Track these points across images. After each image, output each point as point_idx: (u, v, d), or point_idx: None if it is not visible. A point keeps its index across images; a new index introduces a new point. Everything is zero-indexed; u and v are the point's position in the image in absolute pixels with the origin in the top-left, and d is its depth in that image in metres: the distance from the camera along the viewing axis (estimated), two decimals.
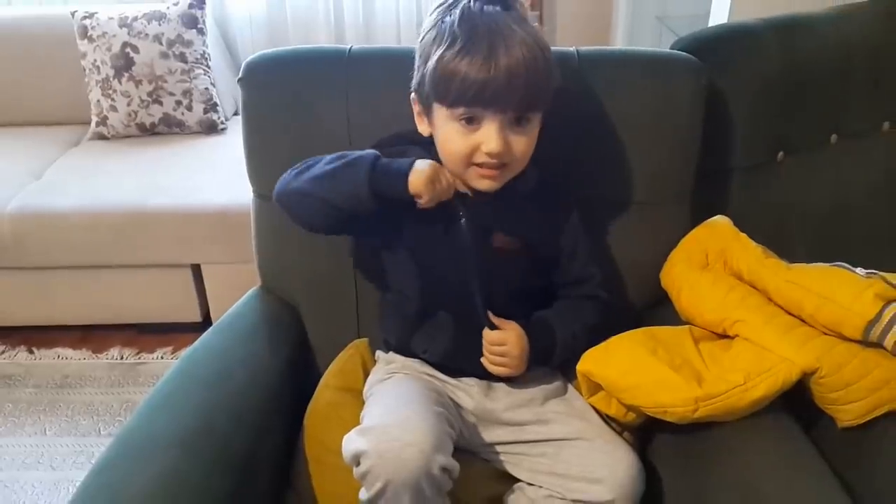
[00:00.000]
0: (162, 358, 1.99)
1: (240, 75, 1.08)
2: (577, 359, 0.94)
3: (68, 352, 2.01)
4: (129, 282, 1.99)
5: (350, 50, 1.07)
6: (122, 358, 1.99)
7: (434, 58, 0.84)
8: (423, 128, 0.93)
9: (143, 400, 0.88)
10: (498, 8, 0.84)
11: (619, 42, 2.47)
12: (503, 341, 0.91)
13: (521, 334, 0.92)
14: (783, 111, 1.21)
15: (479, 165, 0.87)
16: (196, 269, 2.00)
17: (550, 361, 0.96)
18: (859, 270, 0.91)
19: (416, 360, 0.98)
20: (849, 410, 0.87)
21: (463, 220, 0.89)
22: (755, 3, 1.31)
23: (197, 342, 1.00)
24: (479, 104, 0.83)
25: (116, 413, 1.79)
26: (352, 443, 0.80)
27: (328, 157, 0.88)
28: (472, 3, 0.84)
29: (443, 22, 0.85)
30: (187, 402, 0.88)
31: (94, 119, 2.26)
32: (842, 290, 0.87)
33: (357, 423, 0.85)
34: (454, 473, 0.80)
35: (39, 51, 2.32)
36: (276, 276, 1.15)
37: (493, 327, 0.92)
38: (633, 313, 1.07)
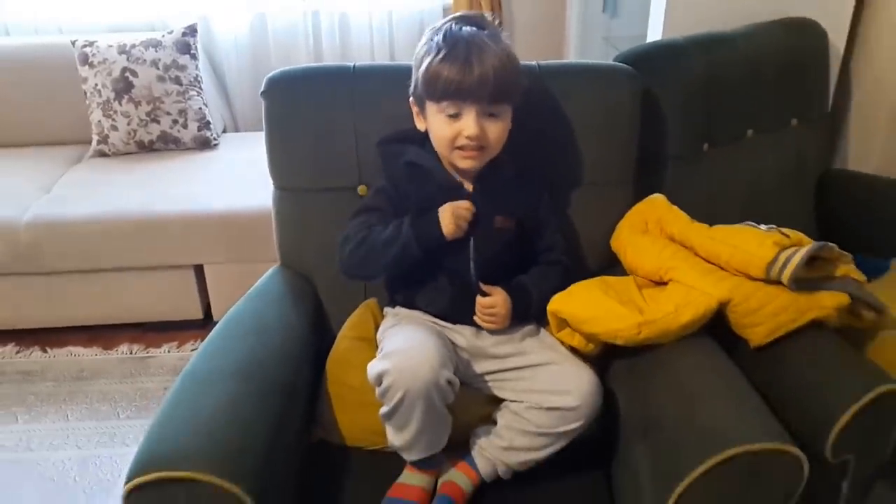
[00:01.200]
0: (169, 352, 2.17)
1: (262, 89, 1.30)
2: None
3: (80, 350, 2.19)
4: (135, 283, 2.18)
5: (355, 67, 1.31)
6: (131, 353, 2.17)
7: (424, 64, 1.10)
8: (420, 125, 1.18)
9: (201, 346, 1.09)
10: (475, 28, 1.10)
11: (571, 59, 2.75)
12: (493, 304, 1.15)
13: (507, 298, 1.16)
14: (706, 110, 1.48)
15: (461, 148, 1.12)
16: (199, 270, 2.19)
17: (528, 317, 1.20)
18: (762, 226, 1.17)
19: (418, 311, 1.21)
20: (757, 332, 1.12)
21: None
22: (682, 25, 1.58)
23: (234, 307, 1.21)
24: (459, 97, 1.08)
25: (132, 399, 1.97)
26: (376, 366, 1.02)
27: (379, 246, 1.12)
28: (454, 24, 1.11)
29: (432, 40, 1.11)
30: (237, 345, 1.10)
31: (96, 138, 2.46)
32: (747, 241, 1.13)
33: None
34: (455, 387, 1.03)
35: (42, 76, 2.52)
36: (293, 255, 1.37)
37: (484, 295, 1.16)
38: (589, 271, 1.31)
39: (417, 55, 1.13)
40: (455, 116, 1.10)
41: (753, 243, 1.12)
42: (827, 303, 1.12)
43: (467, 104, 1.08)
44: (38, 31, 2.74)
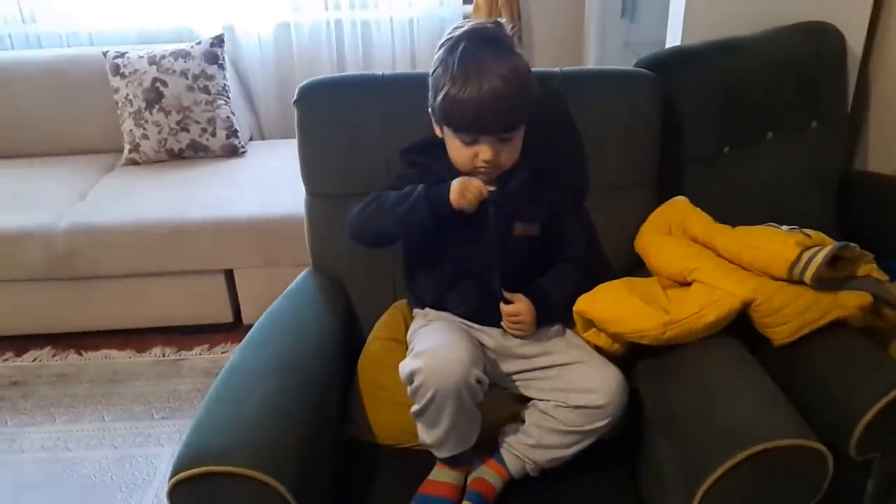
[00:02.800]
0: (200, 354, 2.23)
1: (295, 98, 1.35)
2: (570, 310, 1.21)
3: (114, 353, 2.25)
4: (167, 288, 2.24)
5: (383, 76, 1.35)
6: (164, 356, 2.23)
7: (441, 94, 1.13)
8: (439, 133, 1.22)
9: (243, 342, 1.14)
10: (486, 49, 1.12)
11: (591, 65, 2.77)
12: (517, 312, 1.18)
13: (530, 305, 1.18)
14: (726, 114, 1.50)
15: (477, 167, 1.16)
16: (229, 274, 2.25)
17: (551, 317, 1.23)
18: (784, 227, 1.20)
19: (447, 312, 1.24)
20: (780, 331, 1.14)
21: (491, 212, 1.16)
22: (700, 31, 1.61)
23: (273, 304, 1.26)
24: (474, 131, 1.13)
25: (166, 401, 2.02)
26: (407, 366, 1.06)
27: (391, 201, 1.15)
28: (466, 45, 1.12)
29: (446, 62, 1.13)
30: (277, 343, 1.15)
31: (127, 146, 2.53)
32: (770, 241, 1.16)
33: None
34: (485, 386, 1.07)
35: (76, 87, 2.60)
36: (325, 258, 1.41)
37: (507, 302, 1.19)
38: (614, 273, 1.34)
39: (435, 75, 1.16)
40: (471, 143, 1.15)
41: (776, 243, 1.15)
42: (849, 302, 1.14)
43: (484, 135, 1.13)
44: (69, 42, 2.81)
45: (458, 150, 1.17)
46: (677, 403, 1.08)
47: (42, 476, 1.78)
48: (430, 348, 1.07)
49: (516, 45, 1.17)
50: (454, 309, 1.23)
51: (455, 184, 1.13)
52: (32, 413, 2.00)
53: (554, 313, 1.22)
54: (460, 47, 1.12)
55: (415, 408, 1.07)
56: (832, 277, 1.15)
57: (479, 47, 1.12)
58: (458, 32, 1.16)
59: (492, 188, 1.19)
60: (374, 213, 1.17)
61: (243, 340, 1.14)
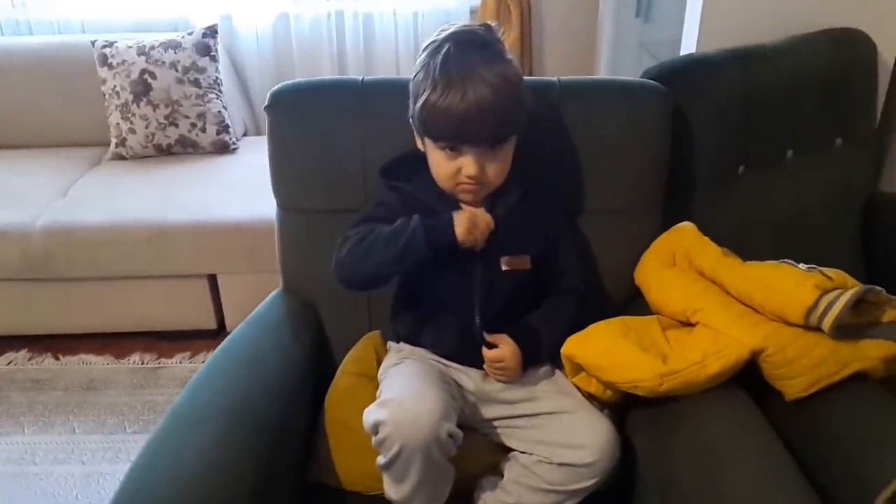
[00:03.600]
0: (180, 363, 2.13)
1: (266, 103, 1.23)
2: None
3: (92, 357, 2.15)
4: (148, 292, 2.14)
5: (363, 80, 1.23)
6: (143, 363, 2.13)
7: (420, 101, 1.01)
8: (420, 145, 1.10)
9: (192, 379, 1.02)
10: (473, 53, 0.99)
11: (603, 66, 2.64)
12: (501, 358, 1.06)
13: (515, 349, 1.06)
14: (743, 130, 1.37)
15: (460, 184, 1.04)
16: (212, 279, 2.14)
17: (539, 360, 1.11)
18: (801, 265, 1.07)
19: (422, 349, 1.13)
20: (793, 385, 1.02)
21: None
22: (718, 37, 1.47)
23: (232, 333, 1.14)
24: (457, 141, 1.01)
25: (140, 413, 1.92)
26: (371, 414, 0.95)
27: (382, 239, 1.02)
28: (451, 49, 1.00)
29: (428, 66, 1.01)
30: (229, 380, 1.03)
31: (114, 141, 2.42)
32: (785, 282, 1.03)
33: (372, 402, 0.99)
34: (458, 440, 0.95)
35: (61, 77, 2.48)
36: (297, 279, 1.30)
37: (489, 346, 1.07)
38: (611, 306, 1.22)
39: (415, 81, 1.04)
40: (453, 150, 1.03)
41: (792, 285, 1.02)
42: (872, 353, 1.01)
43: (466, 146, 1.01)
44: (61, 30, 2.71)
45: (439, 164, 1.05)
46: (677, 465, 0.96)
47: (3, 492, 1.69)
48: (397, 398, 0.95)
49: (507, 52, 1.04)
50: (430, 346, 1.12)
51: (461, 218, 1.02)
52: (1, 421, 1.91)
53: (542, 356, 1.11)
54: (443, 50, 1.00)
55: (380, 460, 0.96)
56: (854, 324, 1.02)
57: (465, 52, 0.99)
58: (442, 35, 1.03)
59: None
60: (366, 256, 1.04)
61: (193, 377, 1.03)
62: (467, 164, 1.02)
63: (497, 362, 1.06)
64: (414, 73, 1.05)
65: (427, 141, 1.06)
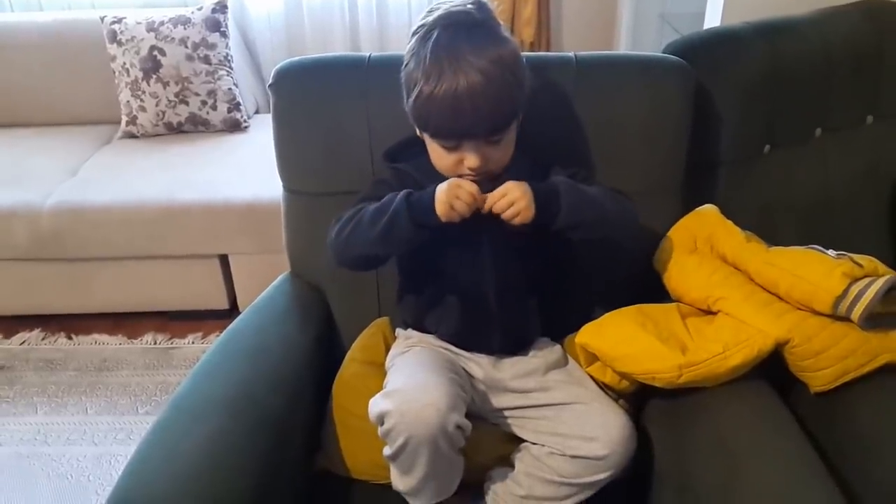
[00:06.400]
0: (192, 343, 2.11)
1: (270, 81, 1.19)
2: (589, 222, 0.96)
3: (104, 337, 2.15)
4: (160, 272, 2.12)
5: (370, 57, 1.18)
6: (155, 343, 2.12)
7: (412, 96, 0.94)
8: (420, 133, 1.02)
9: (194, 369, 1.00)
10: (462, 37, 0.92)
11: (623, 39, 2.56)
12: (504, 192, 0.92)
13: (518, 182, 0.93)
14: (769, 108, 1.30)
15: (463, 175, 0.97)
16: (224, 259, 2.12)
17: (557, 209, 0.94)
18: (830, 252, 1.01)
19: (431, 335, 1.09)
20: (819, 377, 0.97)
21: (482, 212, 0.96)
22: (744, 9, 1.40)
23: (237, 320, 1.12)
24: (454, 137, 0.95)
25: (152, 393, 1.91)
26: (377, 405, 0.91)
27: (367, 217, 0.96)
28: (440, 34, 0.92)
29: (418, 55, 0.94)
30: (231, 371, 1.00)
31: (124, 119, 2.39)
32: (813, 270, 0.97)
33: (380, 391, 0.96)
34: (467, 431, 0.91)
35: (70, 54, 2.45)
36: (305, 263, 1.27)
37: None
38: (628, 293, 1.16)
39: (406, 70, 0.97)
40: (454, 148, 0.96)
41: (819, 273, 0.97)
42: None
43: (464, 140, 0.95)
44: (71, 6, 2.68)
45: (440, 157, 0.99)
46: (695, 461, 0.92)
47: (17, 473, 1.69)
48: (403, 387, 0.92)
49: (502, 30, 0.97)
50: (434, 329, 1.08)
51: (441, 190, 0.92)
52: (15, 402, 1.91)
53: (560, 204, 0.94)
54: (432, 38, 0.93)
55: (387, 450, 0.93)
56: (884, 313, 0.97)
57: (454, 36, 0.92)
58: (430, 18, 0.95)
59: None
60: (352, 235, 0.97)
61: (196, 366, 1.00)
62: (469, 157, 0.95)
63: (501, 196, 0.92)
64: (405, 62, 0.98)
65: (424, 134, 1.00)
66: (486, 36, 0.93)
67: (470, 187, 0.92)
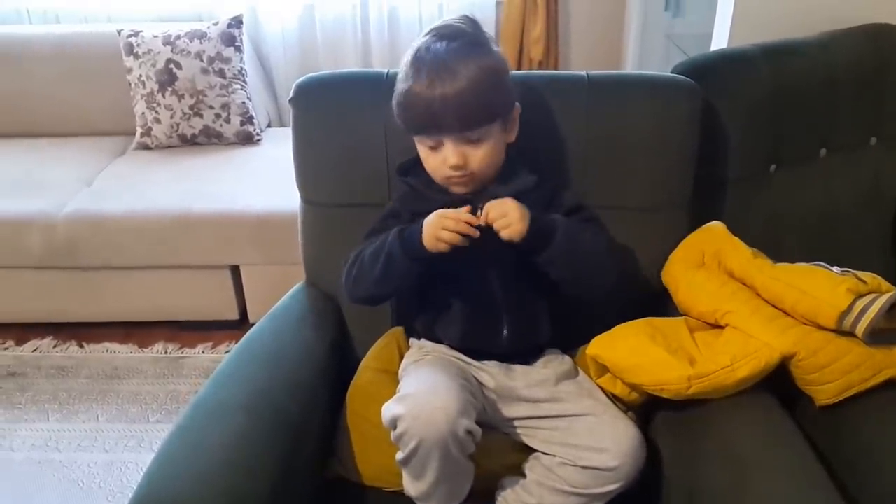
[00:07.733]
0: (203, 353, 2.14)
1: (290, 96, 1.22)
2: (579, 254, 1.00)
3: (116, 346, 2.17)
4: (172, 281, 2.15)
5: (388, 73, 1.21)
6: (165, 352, 2.14)
7: (394, 97, 1.02)
8: (406, 134, 1.07)
9: (215, 372, 1.02)
10: (445, 43, 0.99)
11: (630, 60, 2.60)
12: (501, 202, 0.96)
13: (510, 199, 0.97)
14: (774, 128, 1.33)
15: (449, 177, 1.03)
16: (235, 270, 2.15)
17: (553, 239, 0.98)
18: (835, 268, 1.04)
19: (443, 345, 1.12)
20: (824, 390, 0.99)
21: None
22: (751, 31, 1.44)
23: (254, 327, 1.14)
24: (432, 131, 1.00)
25: (163, 402, 1.94)
26: (390, 410, 0.94)
27: (367, 258, 1.02)
28: (426, 40, 1.01)
29: (405, 64, 1.02)
30: (250, 375, 1.03)
31: (139, 130, 2.43)
32: (818, 285, 1.00)
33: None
34: (477, 437, 0.94)
35: (87, 66, 2.50)
36: (320, 273, 1.29)
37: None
38: (638, 307, 1.19)
39: (397, 78, 1.04)
40: (436, 147, 1.02)
41: (825, 289, 0.99)
42: None
43: (443, 135, 1.00)
44: (88, 19, 2.73)
45: (426, 158, 1.05)
46: (703, 471, 0.94)
47: (28, 479, 1.71)
48: (415, 392, 0.95)
49: (488, 41, 1.04)
50: (443, 337, 1.11)
51: (427, 223, 0.96)
52: (27, 408, 1.93)
53: (555, 235, 0.98)
54: (418, 45, 1.02)
55: (399, 455, 0.95)
56: (887, 329, 0.99)
57: (437, 41, 1.00)
58: (424, 33, 1.04)
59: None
60: (359, 276, 1.04)
61: (215, 371, 1.03)
62: (448, 155, 1.01)
63: (493, 210, 0.96)
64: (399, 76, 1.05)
65: (414, 137, 1.05)
66: (468, 43, 1.00)
67: (455, 214, 0.96)
